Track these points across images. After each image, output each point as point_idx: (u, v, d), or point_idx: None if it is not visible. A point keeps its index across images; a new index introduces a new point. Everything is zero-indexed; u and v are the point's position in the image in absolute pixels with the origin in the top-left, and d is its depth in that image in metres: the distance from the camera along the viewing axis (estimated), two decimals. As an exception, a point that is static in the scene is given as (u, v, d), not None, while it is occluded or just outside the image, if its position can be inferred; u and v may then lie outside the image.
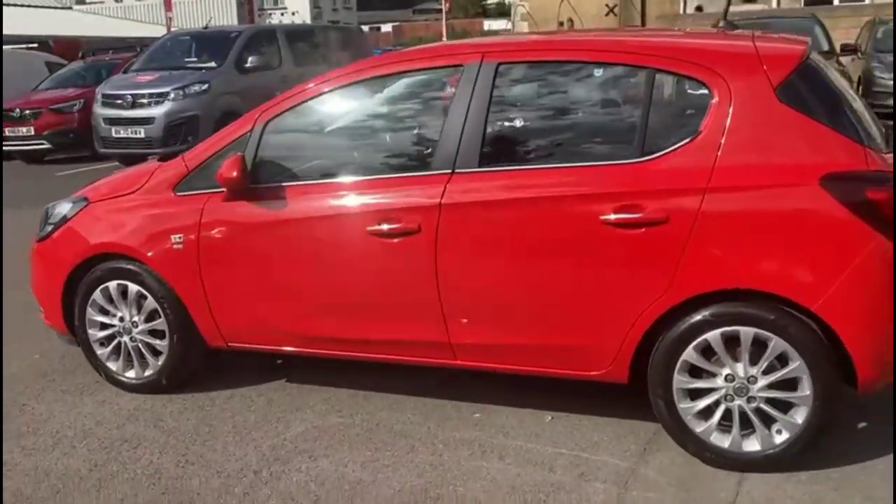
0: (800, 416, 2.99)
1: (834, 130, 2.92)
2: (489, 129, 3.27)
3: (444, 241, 3.26)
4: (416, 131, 3.59)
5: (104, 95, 11.92)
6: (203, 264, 3.67)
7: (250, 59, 12.23)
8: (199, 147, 3.79)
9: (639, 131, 3.09)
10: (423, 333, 3.42)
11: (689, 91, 3.06)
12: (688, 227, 2.96)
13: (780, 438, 3.03)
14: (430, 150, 3.35)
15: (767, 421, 3.04)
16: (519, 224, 3.19)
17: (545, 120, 3.37)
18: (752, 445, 3.07)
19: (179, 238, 3.68)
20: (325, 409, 3.78)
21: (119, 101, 11.71)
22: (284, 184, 3.54)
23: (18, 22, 26.39)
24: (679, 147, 3.02)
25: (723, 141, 2.96)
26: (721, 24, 3.60)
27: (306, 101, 3.58)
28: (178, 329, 3.82)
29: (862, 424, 3.43)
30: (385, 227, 3.32)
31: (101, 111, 11.86)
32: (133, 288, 3.85)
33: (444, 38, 39.88)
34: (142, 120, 11.51)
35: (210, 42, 12.92)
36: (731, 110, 2.97)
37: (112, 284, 3.89)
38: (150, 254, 3.75)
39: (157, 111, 11.47)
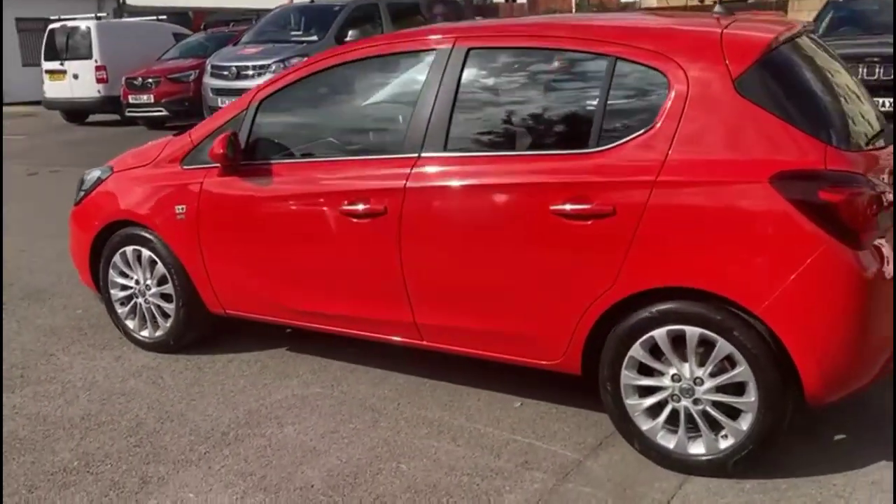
0: (745, 422, 2.87)
1: (793, 126, 2.75)
2: (456, 114, 3.28)
3: (408, 224, 3.32)
4: (391, 114, 3.64)
5: (213, 66, 12.55)
6: (202, 234, 3.89)
7: (350, 32, 12.52)
8: (204, 123, 3.99)
9: (595, 121, 3.02)
10: (391, 313, 3.50)
11: (649, 80, 2.95)
12: (634, 221, 2.88)
13: (725, 444, 2.93)
14: (402, 133, 3.40)
15: (714, 424, 2.94)
16: (476, 210, 3.20)
17: (509, 107, 3.33)
18: (698, 448, 2.98)
19: (182, 209, 3.91)
20: (311, 379, 3.94)
21: (225, 73, 12.30)
22: (271, 161, 3.69)
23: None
24: (633, 138, 2.93)
25: (676, 133, 2.86)
26: (717, 7, 3.43)
27: (295, 82, 3.71)
28: (183, 294, 4.07)
29: (839, 437, 3.25)
30: (356, 207, 3.41)
31: (209, 81, 12.50)
32: (146, 253, 4.13)
33: (573, 11, 39.11)
34: (245, 90, 12.02)
35: (315, 15, 13.30)
36: (686, 101, 2.85)
37: (129, 249, 4.19)
38: (158, 222, 4.01)
39: (258, 83, 11.95)
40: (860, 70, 8.90)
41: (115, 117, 15.69)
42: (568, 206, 2.98)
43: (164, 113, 14.18)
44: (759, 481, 2.94)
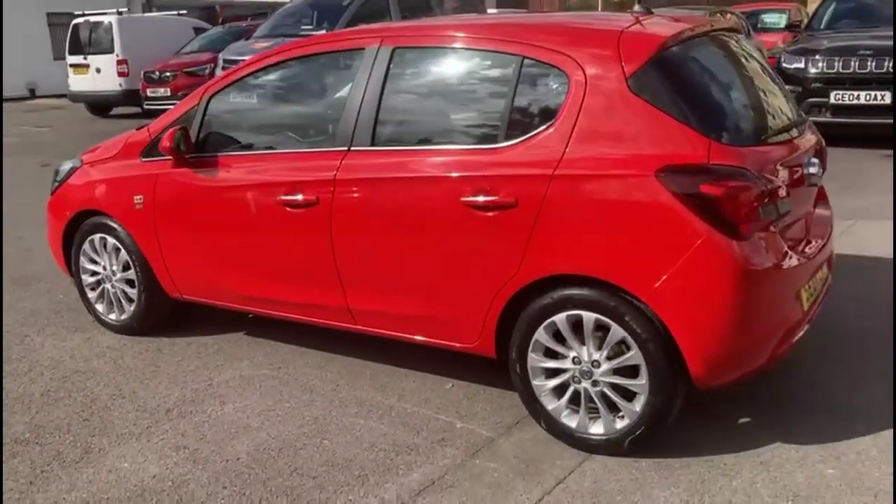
0: (638, 404, 3.03)
1: (681, 123, 2.88)
2: (382, 110, 3.46)
3: (338, 214, 3.51)
4: (325, 109, 3.83)
5: (224, 60, 12.85)
6: (158, 223, 4.12)
7: (360, 25, 12.69)
8: (162, 117, 4.22)
9: (503, 117, 3.18)
10: (326, 298, 3.70)
11: (551, 78, 3.11)
12: (534, 212, 3.04)
13: (621, 424, 3.08)
14: (334, 128, 3.59)
15: (612, 406, 3.10)
16: (397, 201, 3.38)
17: (428, 103, 3.51)
18: (597, 428, 3.14)
19: (140, 199, 4.15)
20: (261, 361, 4.15)
21: (228, 67, 12.57)
22: (218, 154, 3.90)
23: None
24: (536, 134, 3.09)
25: (574, 130, 3.01)
26: (636, 7, 3.56)
27: (241, 78, 3.92)
28: (144, 280, 4.31)
29: (744, 420, 3.38)
30: (292, 197, 3.61)
31: (220, 75, 12.79)
32: (111, 241, 4.38)
33: (599, 8, 38.84)
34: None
35: (325, 9, 13.50)
36: (584, 99, 3.00)
37: (96, 237, 4.44)
38: (120, 212, 4.26)
39: (267, 76, 12.22)
40: (852, 64, 8.90)
41: (137, 110, 16.11)
42: (476, 198, 3.15)
43: (181, 106, 14.51)
44: (654, 460, 3.09)
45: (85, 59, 16.38)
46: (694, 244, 2.81)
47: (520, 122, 3.15)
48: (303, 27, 13.35)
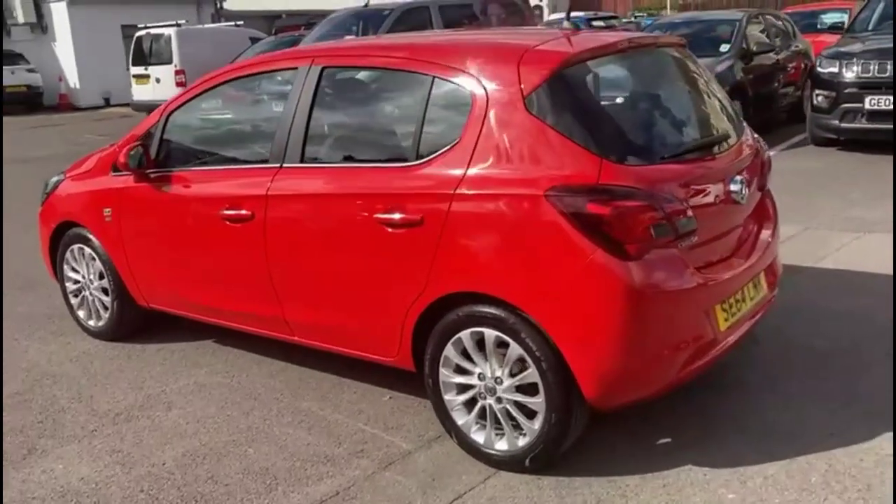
0: (538, 422, 3.03)
1: (573, 143, 2.88)
2: (311, 128, 3.56)
3: (271, 228, 3.62)
4: (264, 127, 3.94)
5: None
6: (124, 235, 4.32)
7: (396, 34, 12.89)
8: (129, 133, 4.41)
9: (415, 136, 3.23)
10: (265, 310, 3.81)
11: (457, 97, 3.13)
12: (438, 230, 3.08)
13: (523, 441, 3.09)
14: (270, 145, 3.70)
15: (515, 422, 3.11)
16: (320, 217, 3.47)
17: (351, 122, 3.59)
18: (502, 445, 3.15)
19: (109, 212, 4.35)
20: (220, 368, 4.30)
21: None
22: (172, 170, 4.06)
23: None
24: (443, 153, 3.12)
25: (475, 148, 3.04)
26: (566, 23, 3.55)
27: (193, 97, 4.07)
28: (116, 289, 4.52)
29: (664, 440, 3.33)
30: (231, 212, 3.74)
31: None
32: (87, 251, 4.60)
33: (667, 11, 38.19)
34: (294, 93, 12.60)
35: (368, 19, 13.71)
36: (484, 118, 3.03)
37: (76, 247, 4.67)
38: (92, 224, 4.47)
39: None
40: (888, 67, 8.56)
41: (195, 118, 16.64)
42: (387, 216, 3.21)
43: (231, 114, 14.94)
44: (557, 478, 3.09)
45: (146, 69, 17.05)
46: (581, 264, 2.81)
47: (429, 140, 3.20)
48: (346, 36, 13.60)
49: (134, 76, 17.36)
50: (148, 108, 17.35)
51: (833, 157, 9.03)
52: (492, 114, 3.01)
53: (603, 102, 3.20)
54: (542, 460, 3.07)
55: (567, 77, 3.00)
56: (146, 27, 17.45)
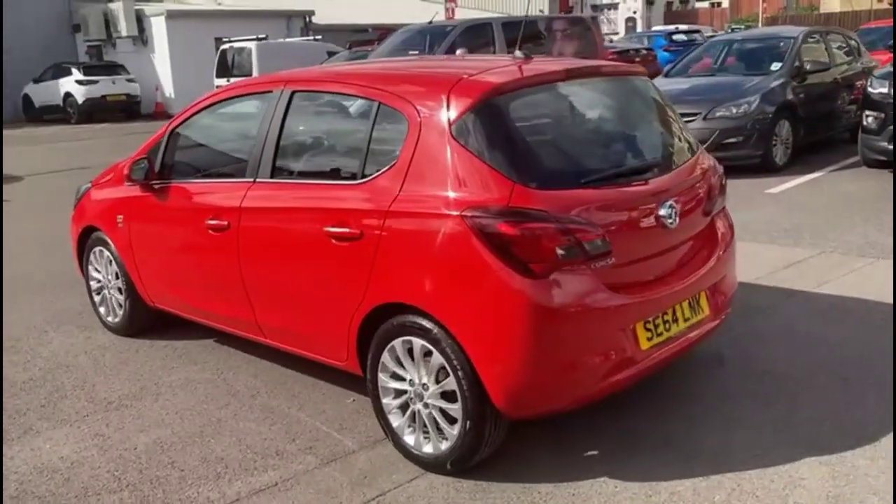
0: (457, 428, 3.22)
1: (490, 167, 3.07)
2: (280, 146, 3.86)
3: (243, 238, 3.94)
4: (244, 144, 4.24)
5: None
6: (132, 240, 4.73)
7: (458, 51, 13.14)
8: (142, 146, 4.82)
9: (362, 157, 3.49)
10: (240, 313, 4.13)
11: (397, 122, 3.37)
12: (374, 244, 3.32)
13: (445, 446, 3.28)
14: (247, 160, 4.02)
15: (440, 427, 3.31)
16: (281, 228, 3.77)
17: (312, 141, 3.87)
18: (428, 448, 3.35)
19: (121, 219, 4.78)
20: (212, 366, 4.64)
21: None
22: (171, 182, 4.44)
23: (352, 11, 30.26)
24: (382, 172, 3.37)
25: (409, 170, 3.27)
26: (517, 52, 3.73)
27: (191, 115, 4.45)
28: (127, 289, 4.94)
29: (591, 452, 3.46)
30: (214, 221, 4.08)
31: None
32: (105, 253, 5.05)
33: (759, 24, 37.22)
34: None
35: (433, 35, 14.05)
36: (417, 142, 3.25)
37: (97, 249, 5.13)
38: (108, 229, 4.91)
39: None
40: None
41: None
42: (334, 229, 3.47)
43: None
44: (476, 482, 3.27)
45: (228, 80, 17.92)
46: (491, 281, 2.99)
47: (373, 160, 3.44)
48: (409, 53, 13.99)
49: (217, 87, 18.28)
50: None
51: (880, 180, 8.78)
52: (423, 138, 3.24)
53: (533, 129, 3.36)
54: (461, 464, 3.26)
55: (490, 106, 3.19)
56: (230, 41, 18.34)
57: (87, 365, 4.76)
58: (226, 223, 3.99)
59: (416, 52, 13.89)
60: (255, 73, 17.40)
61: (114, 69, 25.02)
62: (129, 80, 24.73)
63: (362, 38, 19.09)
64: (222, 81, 18.16)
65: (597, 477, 3.25)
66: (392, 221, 3.27)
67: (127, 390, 4.38)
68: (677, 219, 3.39)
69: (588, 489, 3.18)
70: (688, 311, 3.49)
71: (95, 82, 23.91)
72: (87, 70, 24.32)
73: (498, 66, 3.49)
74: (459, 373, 3.12)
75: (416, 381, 3.33)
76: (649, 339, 3.28)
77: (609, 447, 3.48)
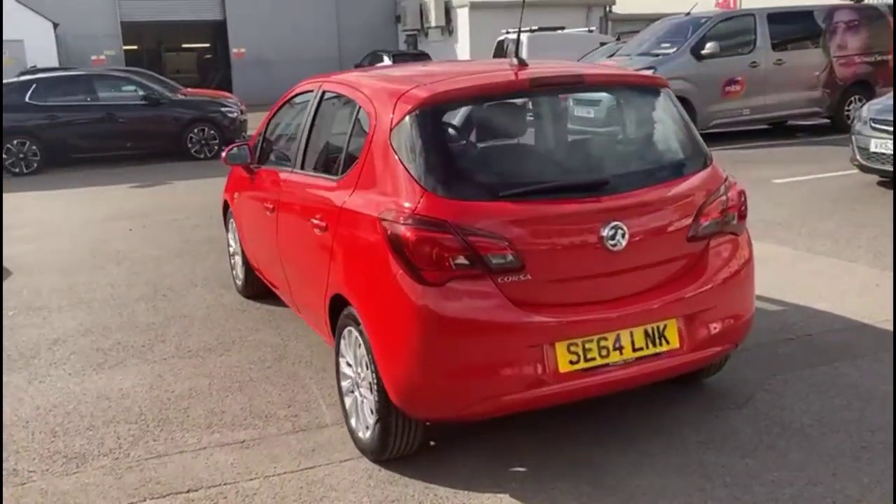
0: (372, 418, 3.38)
1: (409, 174, 3.16)
2: (309, 141, 4.24)
3: (279, 220, 4.40)
4: (294, 137, 4.63)
5: (579, 77, 13.66)
6: (240, 215, 5.44)
7: (708, 45, 12.48)
8: (254, 134, 5.47)
9: (343, 153, 3.73)
10: (285, 287, 4.60)
11: (364, 125, 3.56)
12: (332, 238, 3.57)
13: (367, 434, 3.46)
14: (293, 153, 4.45)
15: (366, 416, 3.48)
16: (292, 216, 4.18)
17: (322, 137, 4.15)
18: (360, 434, 3.54)
19: (237, 195, 5.50)
20: (287, 332, 5.17)
21: (584, 83, 13.33)
22: (260, 167, 5.02)
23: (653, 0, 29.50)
24: (350, 171, 3.59)
25: (362, 171, 3.46)
26: (514, 59, 3.66)
27: (277, 110, 4.98)
28: (242, 255, 5.68)
29: (517, 469, 3.40)
30: (267, 205, 4.59)
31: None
32: (232, 223, 5.83)
33: None
34: (592, 101, 12.92)
35: (680, 27, 13.42)
36: (371, 146, 3.43)
37: (230, 221, 5.93)
38: (231, 203, 5.67)
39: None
40: None
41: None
42: (315, 220, 3.78)
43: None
44: (390, 473, 3.41)
45: (500, 71, 18.63)
46: (392, 284, 3.10)
47: (348, 159, 3.69)
48: (662, 45, 13.50)
49: (491, 76, 19.07)
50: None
51: None
52: (374, 142, 3.40)
53: (460, 140, 3.36)
54: (377, 454, 3.43)
55: (420, 116, 3.25)
56: (507, 31, 18.98)
57: (200, 317, 5.57)
58: (271, 207, 4.47)
59: (668, 45, 13.38)
60: (524, 64, 17.80)
61: (420, 57, 27.07)
62: (432, 68, 26.61)
63: (630, 28, 18.64)
64: (496, 71, 18.90)
65: (502, 493, 3.22)
66: (342, 218, 3.50)
67: (209, 343, 5.08)
68: (624, 241, 3.17)
69: (482, 501, 3.17)
70: (641, 340, 3.26)
71: (401, 69, 26.11)
72: (395, 58, 26.59)
73: (462, 75, 3.51)
74: (372, 367, 3.28)
75: (355, 369, 3.53)
76: (573, 363, 3.14)
77: (538, 468, 3.39)
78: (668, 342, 3.31)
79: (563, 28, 20.38)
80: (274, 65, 28.89)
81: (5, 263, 7.31)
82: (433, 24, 28.29)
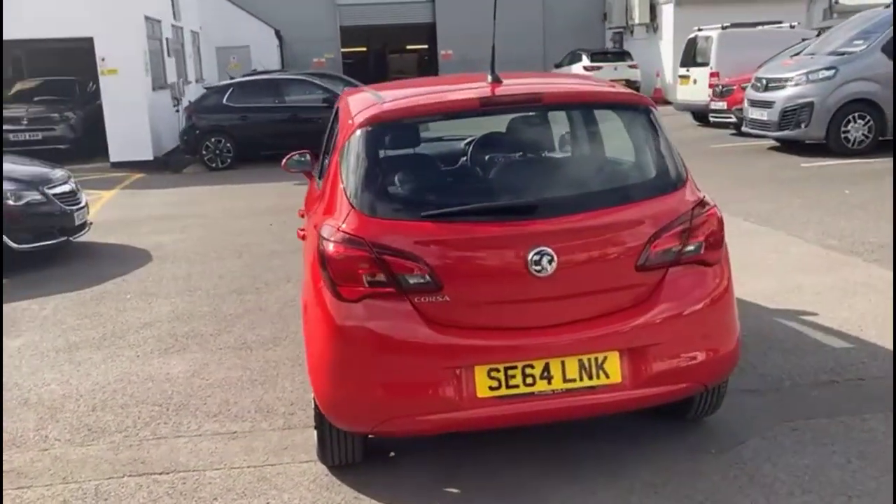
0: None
1: (343, 190, 3.24)
2: (323, 154, 4.43)
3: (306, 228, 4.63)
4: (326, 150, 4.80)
5: (755, 78, 12.78)
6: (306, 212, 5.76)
7: (905, 46, 11.17)
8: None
9: (327, 168, 3.88)
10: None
11: (336, 142, 3.68)
12: (304, 249, 3.74)
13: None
14: (319, 163, 4.65)
15: (319, 422, 3.62)
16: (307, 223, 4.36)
17: (327, 149, 4.28)
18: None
19: (305, 196, 5.82)
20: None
21: (758, 84, 12.45)
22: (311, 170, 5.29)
23: None
24: (322, 186, 3.75)
25: (325, 186, 3.60)
26: (489, 77, 3.58)
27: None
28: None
29: (451, 490, 3.38)
30: (305, 210, 4.85)
31: (747, 92, 12.80)
32: (311, 226, 6.18)
33: None
34: (765, 103, 12.05)
35: (877, 22, 12.08)
36: (332, 163, 3.54)
37: (311, 221, 6.30)
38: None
39: (777, 95, 11.83)
40: None
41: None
42: (301, 229, 3.97)
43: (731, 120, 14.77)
44: (331, 479, 3.53)
45: (687, 70, 17.76)
46: (318, 297, 3.21)
47: (326, 174, 3.82)
48: (854, 42, 12.26)
49: (679, 76, 18.25)
50: (686, 108, 18.14)
51: None
52: (333, 161, 3.51)
53: (395, 158, 3.35)
54: (320, 459, 3.56)
55: (362, 134, 3.32)
56: (699, 29, 18.08)
57: (273, 312, 5.97)
58: (302, 214, 4.73)
59: (861, 42, 12.13)
60: (712, 63, 16.91)
61: (620, 56, 26.48)
62: (631, 67, 25.90)
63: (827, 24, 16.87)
64: (683, 70, 18.08)
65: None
66: (308, 230, 3.65)
67: (265, 337, 5.44)
68: (551, 267, 3.04)
69: (385, 515, 3.21)
70: (574, 371, 3.11)
71: (599, 68, 25.62)
72: (594, 57, 26.21)
73: (424, 92, 3.51)
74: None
75: (313, 376, 3.68)
76: (493, 389, 3.08)
77: (472, 491, 3.35)
78: (607, 376, 3.14)
79: (780, 23, 19.00)
80: (478, 65, 29.48)
81: (154, 252, 8.22)
82: (637, 21, 27.52)
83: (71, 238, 8.11)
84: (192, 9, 22.35)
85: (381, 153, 3.42)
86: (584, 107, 3.55)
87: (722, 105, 15.08)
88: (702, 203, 3.32)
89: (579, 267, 3.12)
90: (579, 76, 4.29)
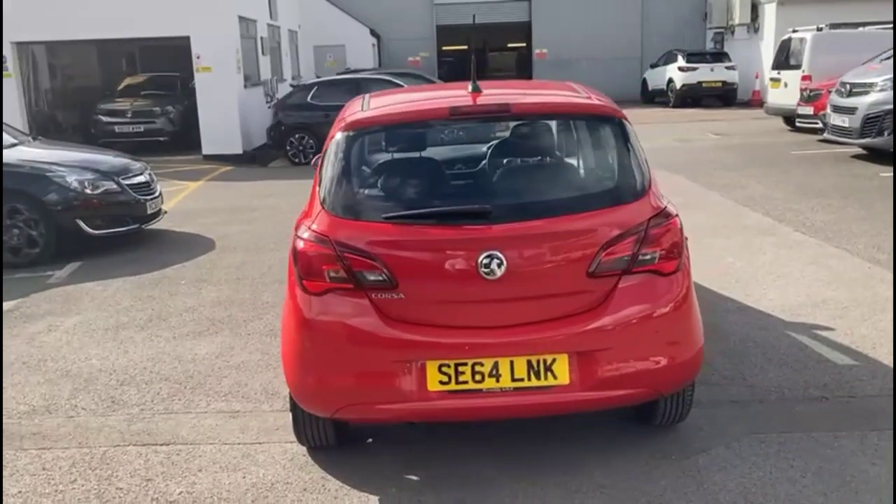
0: (296, 407, 3.77)
1: (317, 191, 3.50)
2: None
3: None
4: None
5: (840, 82, 12.32)
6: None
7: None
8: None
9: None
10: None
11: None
12: (296, 244, 4.00)
13: (298, 421, 3.85)
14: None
15: (304, 405, 3.87)
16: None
17: None
18: (301, 420, 3.94)
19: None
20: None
21: (842, 89, 11.99)
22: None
23: None
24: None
25: (312, 188, 3.84)
26: (470, 86, 3.72)
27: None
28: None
29: (411, 477, 3.56)
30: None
31: (833, 98, 12.35)
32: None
33: None
34: (848, 109, 11.61)
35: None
36: (319, 167, 3.77)
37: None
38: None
39: (860, 101, 11.38)
40: None
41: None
42: (303, 225, 4.24)
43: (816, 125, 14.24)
44: (307, 460, 3.79)
45: (778, 73, 17.19)
46: (290, 289, 3.47)
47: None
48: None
49: (770, 79, 17.70)
50: (776, 112, 17.57)
51: None
52: (320, 165, 3.76)
53: (365, 162, 3.54)
54: (297, 440, 3.81)
55: (339, 139, 3.55)
56: (794, 31, 17.47)
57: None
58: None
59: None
60: (805, 65, 16.32)
61: (718, 57, 25.80)
62: (728, 68, 25.21)
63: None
64: (775, 73, 17.51)
65: (373, 495, 3.44)
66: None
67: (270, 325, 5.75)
68: (500, 270, 3.19)
69: (352, 500, 3.42)
70: (522, 371, 3.25)
71: (695, 69, 25.10)
72: (689, 57, 25.64)
73: (404, 101, 3.70)
74: (284, 362, 3.67)
75: (299, 363, 3.94)
76: (442, 384, 3.26)
77: (428, 479, 3.54)
78: (555, 377, 3.26)
79: (822, 27, 18.16)
80: (573, 64, 29.37)
81: (219, 241, 8.72)
82: (737, 21, 26.73)
83: (143, 226, 8.70)
84: (291, 8, 23.22)
85: (354, 158, 3.64)
86: (552, 117, 3.66)
87: (809, 110, 14.57)
88: (664, 213, 3.38)
89: (529, 271, 3.25)
90: (567, 86, 4.29)
